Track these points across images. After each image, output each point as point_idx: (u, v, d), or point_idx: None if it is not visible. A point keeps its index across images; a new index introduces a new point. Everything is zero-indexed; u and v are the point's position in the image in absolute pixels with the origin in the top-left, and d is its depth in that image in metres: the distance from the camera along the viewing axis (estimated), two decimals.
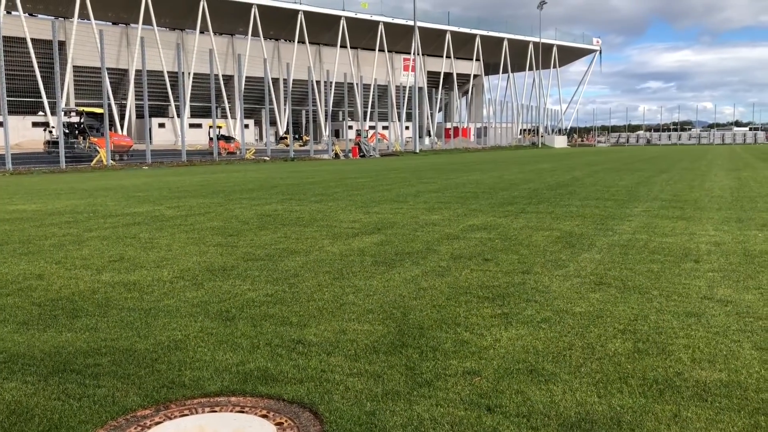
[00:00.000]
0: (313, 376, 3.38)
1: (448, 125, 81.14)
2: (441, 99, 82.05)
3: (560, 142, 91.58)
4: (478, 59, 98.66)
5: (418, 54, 67.95)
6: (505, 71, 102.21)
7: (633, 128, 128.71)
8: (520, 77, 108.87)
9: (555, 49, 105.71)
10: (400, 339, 3.96)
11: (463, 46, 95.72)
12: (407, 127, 78.66)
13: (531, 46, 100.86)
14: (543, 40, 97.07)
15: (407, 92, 78.46)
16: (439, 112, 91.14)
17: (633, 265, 6.07)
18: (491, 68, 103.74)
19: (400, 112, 72.93)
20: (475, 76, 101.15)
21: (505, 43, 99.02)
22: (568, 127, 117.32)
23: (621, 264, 6.13)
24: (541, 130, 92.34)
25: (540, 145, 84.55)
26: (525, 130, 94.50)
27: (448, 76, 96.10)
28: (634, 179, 17.85)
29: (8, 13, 59.64)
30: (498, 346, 3.81)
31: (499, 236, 7.84)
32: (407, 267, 6.08)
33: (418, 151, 56.89)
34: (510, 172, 21.78)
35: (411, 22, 69.07)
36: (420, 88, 70.59)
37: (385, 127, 61.96)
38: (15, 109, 49.36)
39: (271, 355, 3.69)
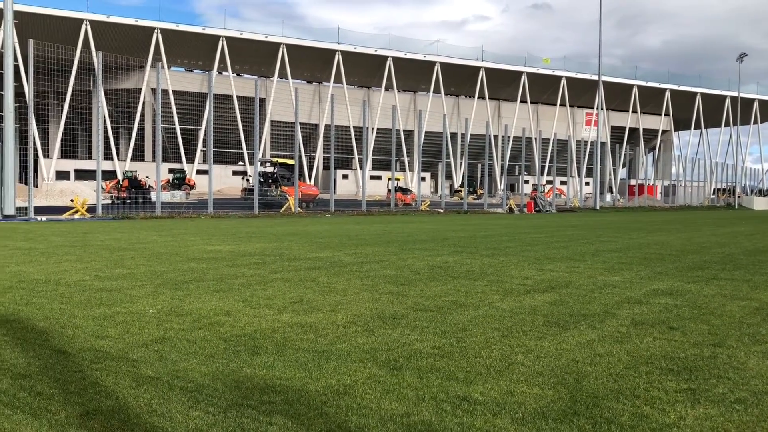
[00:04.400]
0: None
1: (633, 182, 77.36)
2: (625, 155, 78.65)
3: (761, 203, 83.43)
4: (667, 114, 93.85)
5: (601, 108, 65.95)
6: (697, 127, 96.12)
7: None
8: (715, 133, 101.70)
9: (756, 103, 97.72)
10: (571, 406, 3.74)
11: (650, 100, 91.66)
12: (587, 183, 76.16)
13: (728, 101, 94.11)
14: (742, 95, 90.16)
15: (588, 147, 76.18)
16: (622, 168, 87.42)
17: None
18: (682, 124, 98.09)
19: (580, 168, 70.86)
20: (664, 131, 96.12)
21: (698, 97, 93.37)
22: None
23: None
24: (738, 190, 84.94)
25: (736, 206, 77.67)
26: (719, 189, 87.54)
27: (633, 131, 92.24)
28: None
29: (219, 73, 66.85)
30: (683, 425, 3.46)
31: (687, 303, 7.23)
32: (582, 330, 5.77)
33: (598, 207, 54.70)
34: (701, 234, 20.15)
35: (595, 77, 67.45)
36: (602, 143, 68.18)
37: (563, 182, 60.47)
38: (219, 159, 54.88)
39: (435, 410, 3.64)
